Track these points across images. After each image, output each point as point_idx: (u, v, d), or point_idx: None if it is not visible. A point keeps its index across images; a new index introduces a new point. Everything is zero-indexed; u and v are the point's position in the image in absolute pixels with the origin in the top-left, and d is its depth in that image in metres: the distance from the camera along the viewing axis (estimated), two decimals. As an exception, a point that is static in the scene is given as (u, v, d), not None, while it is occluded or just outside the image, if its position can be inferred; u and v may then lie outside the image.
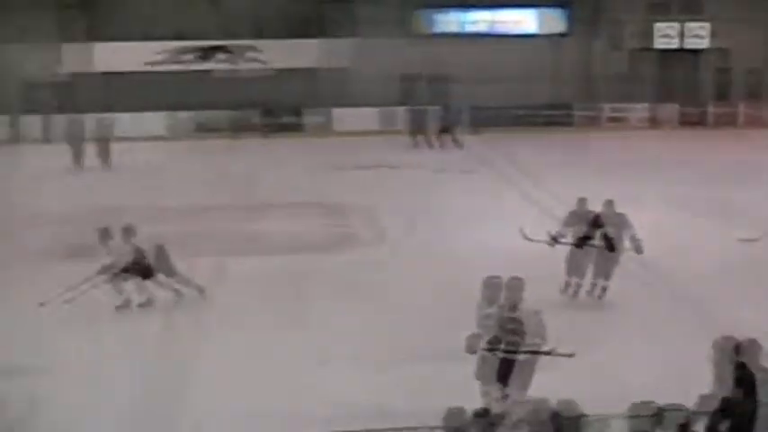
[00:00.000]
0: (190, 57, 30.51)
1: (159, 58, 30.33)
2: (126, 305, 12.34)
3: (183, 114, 30.28)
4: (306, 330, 11.26)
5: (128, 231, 12.39)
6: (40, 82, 29.96)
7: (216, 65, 30.87)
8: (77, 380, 9.73)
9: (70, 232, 16.74)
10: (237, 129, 30.07)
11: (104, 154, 24.73)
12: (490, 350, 8.15)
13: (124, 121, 28.71)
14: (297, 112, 31.21)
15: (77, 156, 24.45)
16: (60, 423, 6.39)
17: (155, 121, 29.68)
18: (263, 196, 20.36)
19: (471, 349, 8.18)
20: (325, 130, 30.79)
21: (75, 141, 24.62)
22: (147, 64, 30.11)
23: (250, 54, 30.71)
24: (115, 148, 25.19)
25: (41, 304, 11.64)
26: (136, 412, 8.97)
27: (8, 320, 11.71)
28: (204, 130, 30.21)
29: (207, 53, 30.66)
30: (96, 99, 29.73)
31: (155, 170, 23.91)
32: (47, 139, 28.61)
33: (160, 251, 12.54)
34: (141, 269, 12.34)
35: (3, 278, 13.71)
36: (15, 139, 28.97)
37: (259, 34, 30.35)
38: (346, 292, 12.89)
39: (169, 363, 10.51)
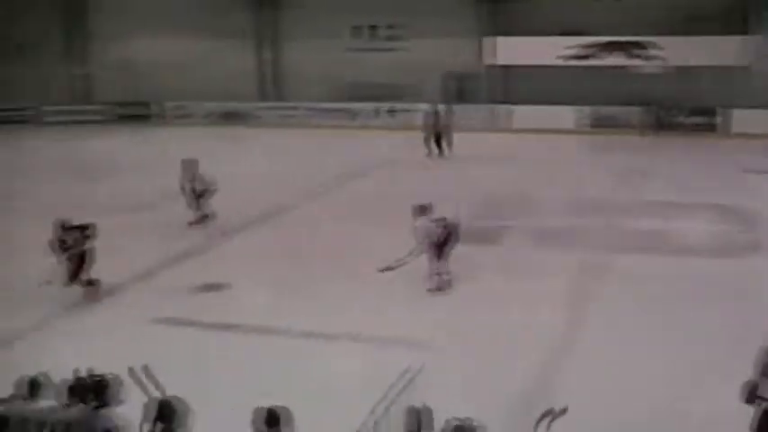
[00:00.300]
0: (593, 51, 30.65)
1: (569, 52, 30.78)
2: (439, 288, 13.05)
3: (584, 108, 30.62)
4: (671, 335, 11.11)
5: (423, 210, 13.13)
6: (455, 73, 31.94)
7: (626, 61, 30.64)
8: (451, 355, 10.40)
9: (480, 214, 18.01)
10: (640, 126, 29.84)
11: (446, 142, 25.56)
12: (749, 398, 7.34)
13: (524, 113, 29.90)
14: (701, 112, 30.18)
15: (427, 142, 25.53)
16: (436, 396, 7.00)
17: (556, 113, 30.32)
18: (657, 195, 20.05)
19: (745, 398, 7.39)
20: (724, 130, 29.40)
21: (431, 129, 25.72)
22: (558, 58, 30.58)
23: (653, 51, 30.20)
24: (516, 138, 25.94)
25: (381, 270, 13.02)
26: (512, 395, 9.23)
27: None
28: (604, 125, 30.36)
29: (616, 48, 30.60)
30: (498, 90, 31.37)
31: (549, 162, 24.44)
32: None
33: (454, 230, 13.14)
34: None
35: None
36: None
37: (663, 31, 29.73)
38: (726, 299, 12.47)
39: (533, 352, 10.72)
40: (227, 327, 11.81)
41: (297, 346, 11.08)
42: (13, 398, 6.85)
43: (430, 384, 7.08)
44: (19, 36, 34.47)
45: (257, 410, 6.31)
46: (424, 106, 26.82)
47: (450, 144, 25.66)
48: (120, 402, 6.60)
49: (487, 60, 31.65)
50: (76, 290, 13.09)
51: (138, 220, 18.04)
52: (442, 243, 12.97)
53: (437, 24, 31.37)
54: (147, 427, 6.49)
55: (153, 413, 6.50)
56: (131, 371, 7.01)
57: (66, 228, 13.10)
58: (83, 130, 32.44)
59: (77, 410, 6.56)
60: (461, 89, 32.15)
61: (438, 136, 25.65)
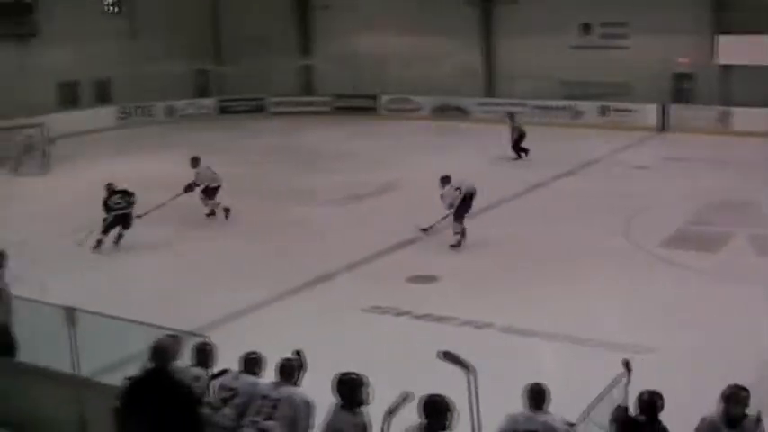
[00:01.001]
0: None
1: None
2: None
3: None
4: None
5: (446, 180, 15.81)
6: (679, 72, 30.86)
7: None
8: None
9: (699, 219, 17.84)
10: None
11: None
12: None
13: (746, 115, 28.53)
14: None
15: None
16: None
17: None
18: None
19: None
20: None
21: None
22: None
23: None
24: (737, 141, 25.26)
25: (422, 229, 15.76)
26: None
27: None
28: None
29: None
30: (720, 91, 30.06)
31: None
32: (661, 127, 30.08)
33: (469, 195, 15.57)
34: None
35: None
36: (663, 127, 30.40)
37: None
38: None
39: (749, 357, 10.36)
40: (438, 319, 12.05)
41: (508, 342, 11.28)
42: (235, 372, 7.32)
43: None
44: (253, 32, 36.41)
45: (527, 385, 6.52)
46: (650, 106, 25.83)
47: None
48: (368, 404, 6.36)
49: (725, 60, 30.21)
50: (295, 276, 13.92)
51: (350, 210, 19.01)
52: (459, 206, 15.47)
53: (662, 22, 30.19)
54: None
55: (422, 408, 5.99)
56: (439, 353, 6.55)
57: (113, 191, 15.71)
58: (308, 120, 33.88)
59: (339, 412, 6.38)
60: (685, 89, 31.01)
61: (517, 140, 24.90)
